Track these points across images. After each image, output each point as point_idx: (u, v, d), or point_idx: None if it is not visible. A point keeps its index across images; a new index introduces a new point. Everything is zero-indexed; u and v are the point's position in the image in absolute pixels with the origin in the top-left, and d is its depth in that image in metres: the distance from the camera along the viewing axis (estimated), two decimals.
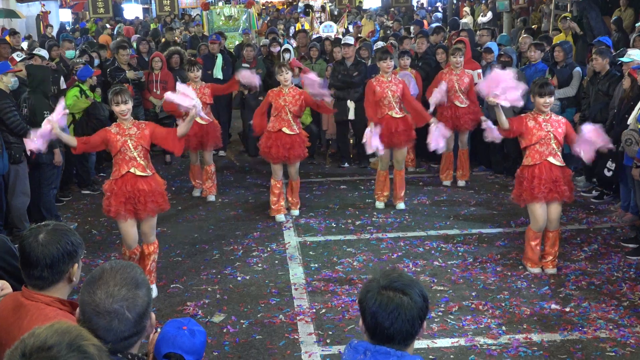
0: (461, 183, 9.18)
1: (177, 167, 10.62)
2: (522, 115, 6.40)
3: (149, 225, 5.96)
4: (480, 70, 9.28)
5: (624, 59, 7.59)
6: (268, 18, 23.16)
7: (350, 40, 10.47)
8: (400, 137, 7.93)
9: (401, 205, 8.25)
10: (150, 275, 5.94)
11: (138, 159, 5.74)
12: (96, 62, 10.47)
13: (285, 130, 7.73)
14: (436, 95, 8.34)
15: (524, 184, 6.15)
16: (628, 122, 6.90)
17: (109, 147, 5.78)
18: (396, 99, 7.89)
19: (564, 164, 6.19)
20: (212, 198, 8.83)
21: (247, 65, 10.89)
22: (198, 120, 8.17)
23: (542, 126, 6.08)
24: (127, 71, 9.77)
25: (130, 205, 5.76)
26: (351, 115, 9.99)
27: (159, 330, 2.83)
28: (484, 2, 20.45)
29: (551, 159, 6.08)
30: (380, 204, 8.34)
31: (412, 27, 15.13)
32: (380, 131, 7.78)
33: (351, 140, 10.71)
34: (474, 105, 8.84)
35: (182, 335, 2.66)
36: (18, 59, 8.10)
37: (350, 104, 9.93)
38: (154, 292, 5.77)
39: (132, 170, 5.74)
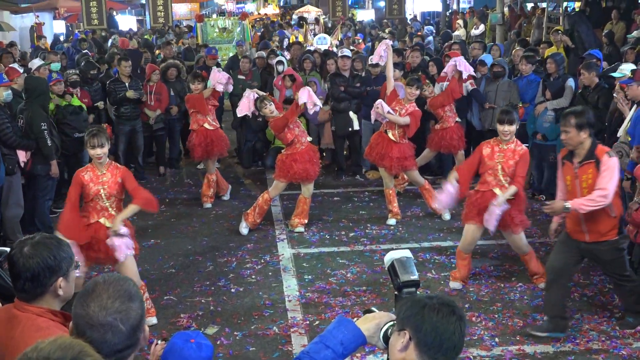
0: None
1: (171, 178, 10.62)
2: (484, 142, 6.25)
3: (128, 272, 5.38)
4: (471, 81, 9.34)
5: (616, 74, 7.63)
6: (262, 30, 23.22)
7: (348, 52, 10.53)
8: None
9: (447, 217, 8.29)
10: (147, 311, 5.60)
11: (110, 209, 5.47)
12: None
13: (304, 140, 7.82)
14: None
15: (467, 203, 6.24)
16: (618, 135, 6.95)
17: (82, 191, 5.46)
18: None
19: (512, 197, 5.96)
20: (208, 205, 8.96)
21: (243, 77, 10.95)
22: (206, 126, 8.82)
23: (495, 156, 5.99)
24: (127, 91, 9.78)
25: (93, 252, 5.46)
26: (356, 126, 10.03)
27: (159, 342, 2.84)
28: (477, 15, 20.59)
29: (496, 190, 5.97)
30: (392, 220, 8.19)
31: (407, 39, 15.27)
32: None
33: (345, 152, 10.75)
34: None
35: (189, 348, 2.69)
36: (21, 70, 8.12)
37: (353, 115, 9.97)
38: (154, 320, 5.68)
39: (101, 220, 5.46)
